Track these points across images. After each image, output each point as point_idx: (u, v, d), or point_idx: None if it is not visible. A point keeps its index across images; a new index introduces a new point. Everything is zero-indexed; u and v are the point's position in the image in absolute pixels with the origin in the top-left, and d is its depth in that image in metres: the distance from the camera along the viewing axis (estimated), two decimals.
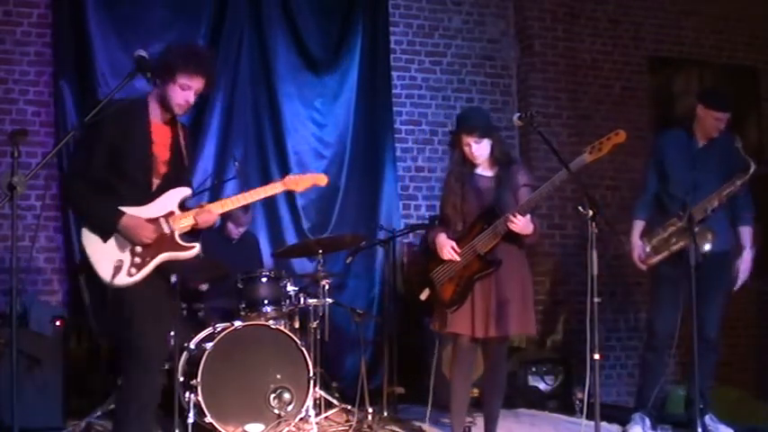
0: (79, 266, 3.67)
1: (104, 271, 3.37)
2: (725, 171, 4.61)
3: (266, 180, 6.21)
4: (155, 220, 3.46)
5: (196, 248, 3.54)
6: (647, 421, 4.69)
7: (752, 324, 7.55)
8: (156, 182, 3.51)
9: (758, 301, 7.63)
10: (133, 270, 3.40)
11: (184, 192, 3.57)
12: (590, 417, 3.67)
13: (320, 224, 6.33)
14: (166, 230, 3.47)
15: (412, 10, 6.91)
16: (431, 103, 6.90)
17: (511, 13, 7.21)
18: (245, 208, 5.49)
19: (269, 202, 6.26)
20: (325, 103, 6.48)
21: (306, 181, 3.91)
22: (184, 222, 3.52)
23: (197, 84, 3.47)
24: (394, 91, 6.72)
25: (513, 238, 4.00)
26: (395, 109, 6.72)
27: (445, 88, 6.95)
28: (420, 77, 6.89)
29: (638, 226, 4.79)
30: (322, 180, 4.02)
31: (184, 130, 3.67)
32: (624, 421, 4.79)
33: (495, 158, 4.12)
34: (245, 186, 5.98)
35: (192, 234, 3.59)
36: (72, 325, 5.33)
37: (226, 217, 5.46)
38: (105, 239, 3.40)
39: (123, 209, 3.41)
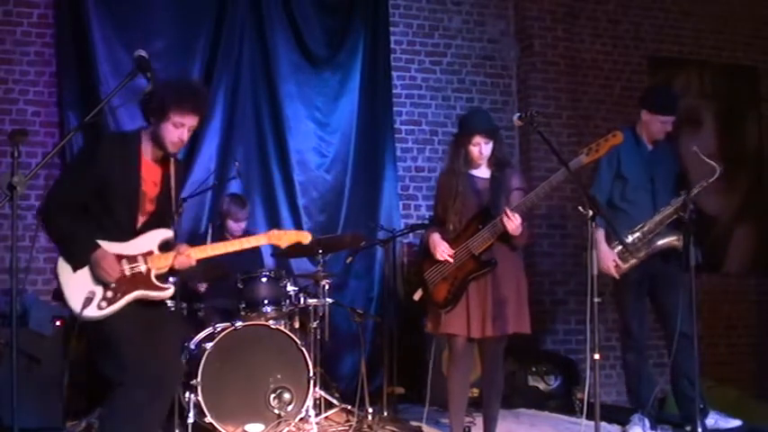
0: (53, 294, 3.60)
1: (74, 301, 3.30)
2: (674, 174, 4.68)
3: (268, 179, 6.24)
4: (133, 258, 3.41)
5: (170, 290, 3.49)
6: (647, 422, 4.69)
7: (752, 324, 7.55)
8: (141, 219, 3.46)
9: (758, 301, 7.64)
10: (104, 304, 3.33)
11: (166, 234, 3.51)
12: (590, 417, 3.68)
13: (328, 225, 6.33)
14: (143, 269, 3.41)
15: (412, 10, 6.91)
16: (431, 103, 6.90)
17: (511, 13, 7.21)
18: (243, 203, 5.52)
19: (269, 202, 6.26)
20: (326, 102, 6.48)
21: (290, 237, 3.79)
22: (162, 263, 3.46)
23: (190, 121, 3.40)
24: (394, 91, 6.72)
25: (506, 238, 4.01)
26: (395, 109, 6.72)
27: (445, 88, 6.95)
28: (420, 77, 6.89)
29: (602, 234, 4.59)
30: (306, 238, 3.84)
31: (177, 165, 3.60)
32: (624, 421, 4.79)
33: (494, 160, 4.13)
34: (246, 186, 6.03)
35: (168, 275, 3.55)
36: (72, 325, 5.33)
37: (225, 214, 5.47)
38: (75, 270, 3.34)
39: (103, 243, 3.36)
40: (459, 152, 4.12)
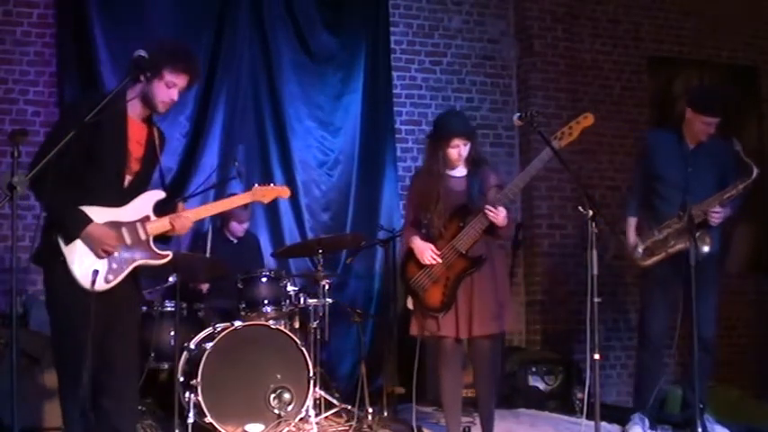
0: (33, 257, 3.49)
1: (82, 277, 3.27)
2: (718, 174, 4.62)
3: (269, 178, 6.23)
4: (131, 225, 3.39)
5: (169, 256, 3.48)
6: (647, 421, 4.69)
7: (752, 324, 7.55)
8: (128, 178, 3.43)
9: (758, 301, 7.63)
10: (110, 276, 3.32)
11: (159, 195, 3.50)
12: (590, 417, 3.68)
13: (332, 224, 6.33)
14: (143, 236, 3.41)
15: (412, 10, 6.91)
16: (431, 103, 6.90)
17: (511, 13, 7.21)
18: (245, 205, 5.50)
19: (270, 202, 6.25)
20: (328, 101, 6.48)
21: (272, 192, 3.95)
22: (159, 225, 3.45)
23: (182, 82, 3.43)
24: (394, 91, 6.72)
25: (490, 231, 4.02)
26: (395, 109, 6.72)
27: (445, 88, 6.95)
28: (420, 77, 6.89)
29: (633, 222, 4.77)
30: (285, 193, 4.08)
31: (161, 135, 3.58)
32: (624, 421, 4.79)
33: (471, 159, 4.14)
34: (247, 185, 6.02)
35: (163, 239, 3.53)
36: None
37: (229, 217, 5.47)
38: (66, 243, 3.29)
39: (96, 209, 3.32)
40: (437, 154, 4.12)
